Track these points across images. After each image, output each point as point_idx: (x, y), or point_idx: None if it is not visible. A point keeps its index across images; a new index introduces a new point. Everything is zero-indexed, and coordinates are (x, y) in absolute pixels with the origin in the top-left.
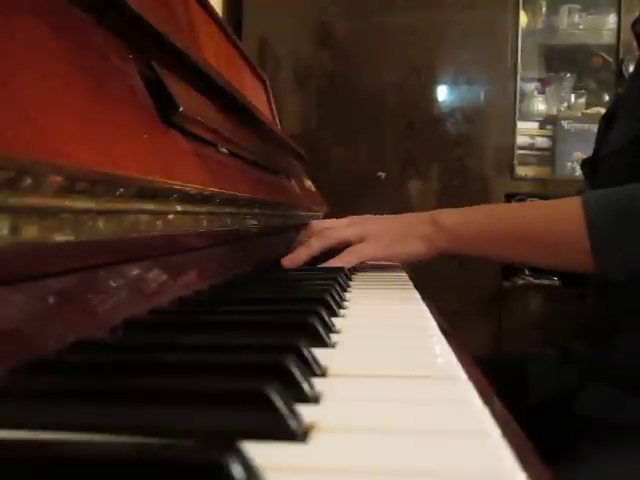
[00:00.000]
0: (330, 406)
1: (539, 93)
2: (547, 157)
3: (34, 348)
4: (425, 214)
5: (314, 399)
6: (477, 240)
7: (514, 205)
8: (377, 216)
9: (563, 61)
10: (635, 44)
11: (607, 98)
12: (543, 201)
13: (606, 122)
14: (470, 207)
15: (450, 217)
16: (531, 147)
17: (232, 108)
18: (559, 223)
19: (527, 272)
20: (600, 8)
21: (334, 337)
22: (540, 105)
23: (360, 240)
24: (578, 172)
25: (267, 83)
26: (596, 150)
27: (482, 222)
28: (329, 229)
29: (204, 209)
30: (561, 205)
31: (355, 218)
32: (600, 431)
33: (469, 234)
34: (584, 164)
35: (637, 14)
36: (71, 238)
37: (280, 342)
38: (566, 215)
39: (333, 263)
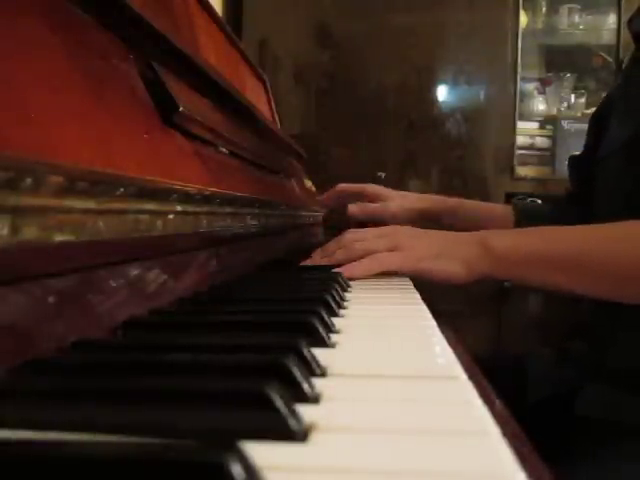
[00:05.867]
0: (330, 406)
1: (539, 93)
2: (547, 157)
3: (34, 348)
4: (475, 234)
5: (314, 399)
6: (524, 265)
7: (572, 228)
8: (417, 229)
9: (563, 61)
10: (632, 42)
11: None
12: (602, 224)
13: (598, 122)
14: (526, 229)
15: (500, 239)
16: (531, 147)
17: (232, 108)
18: (621, 250)
19: None
20: (600, 8)
21: (334, 337)
22: (540, 105)
23: (390, 251)
24: None
25: (267, 83)
26: (589, 149)
27: (532, 245)
28: (358, 241)
29: (204, 209)
30: (623, 229)
31: (389, 228)
32: (599, 431)
33: (516, 258)
34: (574, 161)
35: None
36: (71, 238)
37: (280, 342)
38: (630, 241)
39: (351, 268)
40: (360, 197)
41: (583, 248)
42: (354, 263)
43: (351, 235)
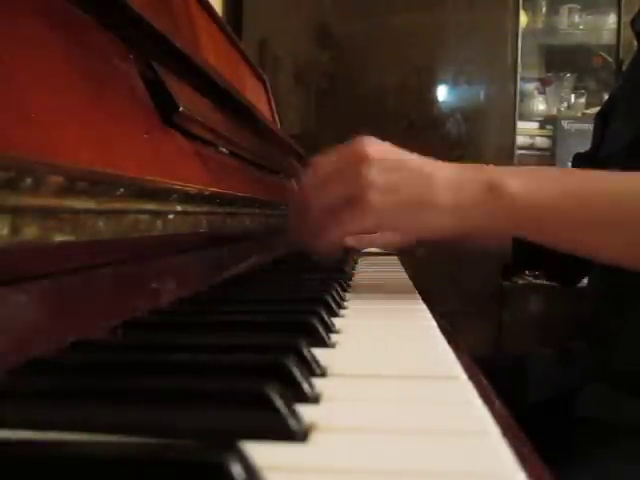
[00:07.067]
0: (330, 406)
1: (539, 93)
2: (547, 157)
3: (34, 348)
4: (479, 169)
5: (314, 399)
6: (547, 216)
7: (604, 174)
8: (390, 149)
9: (563, 61)
10: (635, 42)
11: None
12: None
13: (602, 121)
14: (541, 168)
15: (518, 179)
16: (531, 147)
17: (232, 108)
18: None
19: (527, 272)
20: (600, 8)
21: (334, 337)
22: (540, 105)
23: (355, 198)
24: None
25: (267, 83)
26: (594, 148)
27: (565, 188)
28: (314, 197)
29: (204, 209)
30: None
31: (354, 150)
32: (599, 431)
33: (544, 205)
34: (578, 159)
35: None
36: (71, 238)
37: (280, 342)
38: None
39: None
40: None
41: (613, 192)
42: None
43: (308, 185)
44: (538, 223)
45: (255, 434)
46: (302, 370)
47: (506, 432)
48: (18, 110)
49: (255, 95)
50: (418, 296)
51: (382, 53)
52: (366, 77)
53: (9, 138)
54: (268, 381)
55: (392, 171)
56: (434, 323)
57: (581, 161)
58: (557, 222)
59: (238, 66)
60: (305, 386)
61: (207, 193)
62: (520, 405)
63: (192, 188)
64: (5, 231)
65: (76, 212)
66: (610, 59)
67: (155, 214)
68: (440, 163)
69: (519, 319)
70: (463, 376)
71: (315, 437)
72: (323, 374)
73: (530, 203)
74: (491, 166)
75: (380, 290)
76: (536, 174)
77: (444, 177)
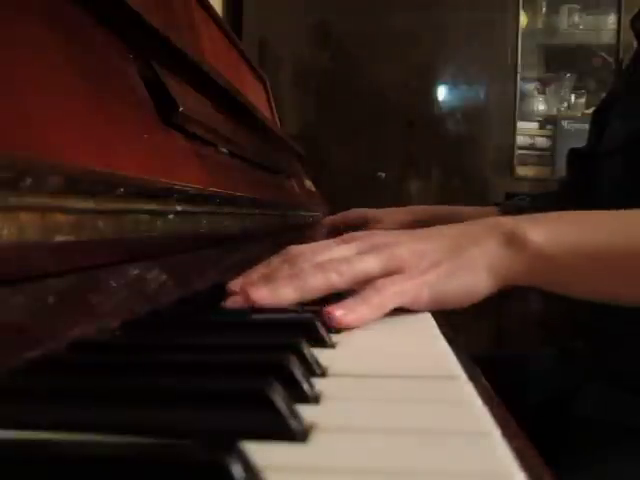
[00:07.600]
0: (330, 406)
1: (539, 93)
2: (547, 157)
3: (34, 348)
4: (491, 223)
5: (314, 399)
6: (575, 266)
7: (606, 213)
8: (408, 231)
9: (563, 61)
10: (635, 41)
11: None
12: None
13: (600, 118)
14: (553, 214)
15: (537, 230)
16: (531, 147)
17: (232, 108)
18: None
19: None
20: (600, 8)
21: (334, 337)
22: (540, 105)
23: (389, 273)
24: None
25: (267, 83)
26: (590, 145)
27: (580, 238)
28: (342, 263)
29: (204, 209)
30: None
31: (374, 235)
32: (600, 431)
33: (564, 256)
34: (573, 155)
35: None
36: (71, 238)
37: (280, 342)
38: None
39: (355, 308)
40: (357, 224)
41: (629, 239)
42: (347, 303)
43: (322, 251)
44: (554, 271)
45: (255, 434)
46: (302, 370)
47: (506, 432)
48: (18, 110)
49: (255, 95)
50: None
51: (382, 53)
52: (366, 77)
53: (9, 138)
54: (269, 381)
55: (421, 235)
56: (434, 323)
57: (576, 157)
58: (574, 269)
59: (238, 66)
60: (305, 386)
61: (207, 193)
62: (520, 405)
63: (192, 188)
64: (5, 231)
65: (76, 212)
66: (610, 59)
67: (155, 214)
68: (449, 226)
69: (519, 319)
70: (463, 376)
71: (315, 437)
72: (323, 374)
73: (547, 251)
74: (499, 218)
75: None
76: (549, 221)
77: (468, 232)
